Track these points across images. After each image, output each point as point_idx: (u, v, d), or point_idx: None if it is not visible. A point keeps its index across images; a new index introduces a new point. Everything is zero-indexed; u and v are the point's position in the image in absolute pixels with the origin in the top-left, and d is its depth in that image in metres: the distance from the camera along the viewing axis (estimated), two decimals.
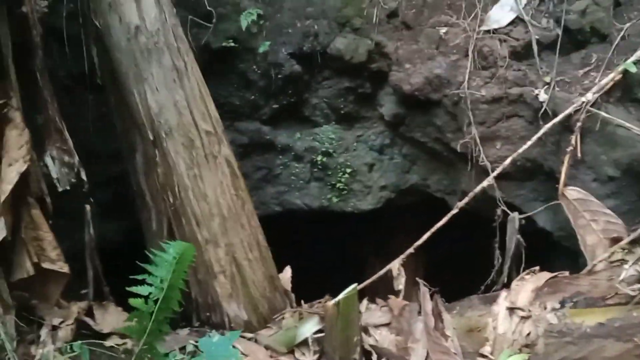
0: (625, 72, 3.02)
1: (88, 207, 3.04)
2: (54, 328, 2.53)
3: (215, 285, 3.01)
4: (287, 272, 3.31)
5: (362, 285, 3.01)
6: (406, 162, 4.06)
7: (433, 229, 3.19)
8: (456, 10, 3.59)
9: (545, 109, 3.22)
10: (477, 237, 3.56)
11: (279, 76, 3.77)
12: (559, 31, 3.31)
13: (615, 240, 2.82)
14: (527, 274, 2.79)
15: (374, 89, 3.87)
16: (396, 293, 3.20)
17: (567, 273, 2.75)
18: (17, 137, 2.48)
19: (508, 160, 3.21)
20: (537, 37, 3.34)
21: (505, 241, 3.27)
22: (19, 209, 2.56)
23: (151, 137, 2.93)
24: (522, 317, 2.55)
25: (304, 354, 2.87)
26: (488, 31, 3.45)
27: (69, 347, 2.25)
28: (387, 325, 3.06)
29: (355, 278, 2.95)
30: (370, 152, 4.04)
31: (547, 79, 3.29)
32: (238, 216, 3.05)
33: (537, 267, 2.87)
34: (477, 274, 3.35)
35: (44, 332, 2.47)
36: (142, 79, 2.86)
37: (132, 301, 2.05)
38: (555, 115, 3.16)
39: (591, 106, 3.05)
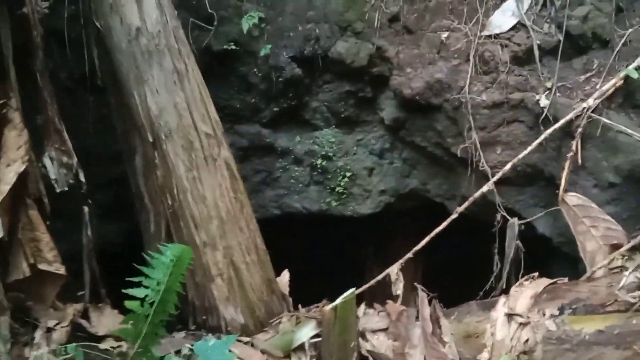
0: (627, 78, 3.02)
1: (86, 208, 3.03)
2: (49, 330, 2.52)
3: (213, 288, 2.99)
4: (285, 275, 3.29)
5: (360, 290, 2.99)
6: (406, 166, 4.05)
7: (432, 234, 3.18)
8: (458, 15, 3.58)
9: (546, 115, 3.21)
10: (476, 242, 3.54)
11: (280, 79, 3.77)
12: (561, 37, 3.30)
13: (615, 247, 2.80)
14: (526, 280, 2.77)
15: (375, 93, 3.86)
16: (394, 298, 3.19)
17: (566, 279, 2.73)
18: (16, 138, 2.48)
19: (508, 166, 3.20)
20: (538, 42, 3.33)
21: (504, 247, 3.26)
22: (17, 209, 2.55)
23: (151, 139, 2.92)
24: (521, 324, 2.53)
25: (300, 358, 2.85)
26: (489, 36, 3.44)
27: (63, 349, 2.23)
28: (384, 330, 3.03)
29: (353, 282, 2.94)
30: (370, 156, 4.03)
31: (549, 85, 3.28)
32: (236, 219, 3.03)
33: (536, 273, 2.85)
34: (476, 280, 3.33)
35: (38, 334, 2.46)
36: (143, 80, 2.86)
37: (128, 303, 2.04)
38: (556, 120, 3.15)
39: (592, 112, 3.04)
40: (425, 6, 3.64)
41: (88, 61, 3.25)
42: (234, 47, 3.72)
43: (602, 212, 2.94)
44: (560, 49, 3.29)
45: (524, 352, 2.45)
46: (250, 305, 3.04)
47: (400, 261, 3.17)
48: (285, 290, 3.24)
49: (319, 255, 4.87)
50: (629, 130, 2.93)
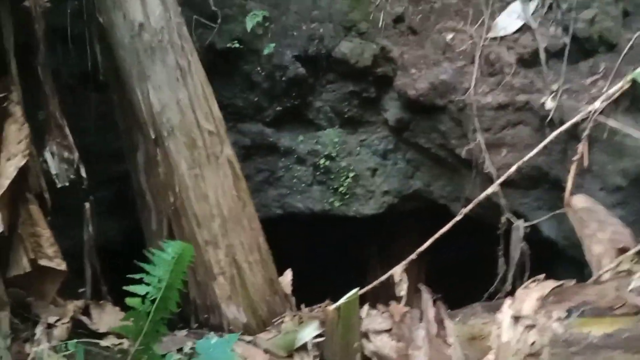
0: (634, 82, 2.99)
1: (88, 205, 3.00)
2: (50, 326, 2.48)
3: (215, 287, 2.97)
4: (288, 275, 3.27)
5: (363, 290, 2.96)
6: (410, 167, 4.03)
7: (437, 235, 3.15)
8: (463, 16, 3.57)
9: (552, 117, 3.19)
10: (480, 244, 3.52)
11: (283, 78, 3.75)
12: (567, 39, 3.28)
13: (622, 250, 2.77)
14: (532, 282, 2.74)
15: (379, 94, 3.84)
16: (398, 299, 3.16)
17: (573, 282, 2.70)
18: (17, 132, 2.45)
19: (514, 168, 3.17)
20: (544, 45, 3.31)
21: (509, 249, 3.23)
22: (17, 204, 2.52)
23: (153, 136, 2.90)
24: (527, 326, 2.50)
25: (303, 358, 2.82)
26: (495, 38, 3.43)
27: (63, 345, 2.19)
28: (388, 331, 3.00)
29: (356, 282, 2.91)
30: (373, 156, 4.01)
31: (554, 87, 3.25)
32: (239, 218, 3.01)
33: (542, 276, 2.82)
34: (480, 282, 3.31)
35: (39, 330, 2.43)
36: (145, 77, 2.84)
37: (129, 300, 2.01)
38: (561, 123, 3.12)
39: (599, 115, 3.01)
40: (430, 7, 3.63)
41: (90, 58, 3.24)
42: (237, 45, 3.70)
43: (609, 215, 2.91)
44: (567, 51, 3.27)
45: (530, 355, 2.41)
46: (252, 304, 3.02)
47: (404, 262, 3.14)
48: (288, 289, 3.22)
49: (322, 255, 4.84)
50: (637, 133, 2.91)
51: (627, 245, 2.79)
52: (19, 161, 2.43)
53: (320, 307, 3.06)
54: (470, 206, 3.19)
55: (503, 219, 3.27)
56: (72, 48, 3.37)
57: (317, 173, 4.06)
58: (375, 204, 4.05)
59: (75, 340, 2.19)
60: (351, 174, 4.01)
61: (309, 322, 2.93)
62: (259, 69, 3.77)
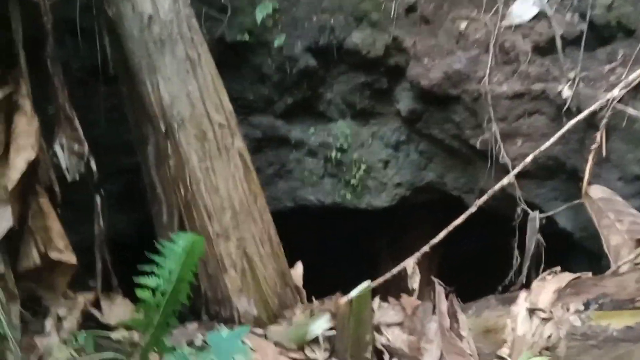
0: None
1: (98, 198, 2.99)
2: (60, 319, 2.48)
3: (226, 279, 2.95)
4: (299, 268, 3.24)
5: (375, 283, 2.93)
6: (422, 159, 3.98)
7: (450, 227, 3.10)
8: (477, 4, 3.49)
9: (569, 106, 3.11)
10: (494, 236, 3.47)
11: (294, 70, 3.72)
12: (584, 26, 3.19)
13: None
14: (549, 274, 2.68)
15: (391, 85, 3.79)
16: (410, 292, 3.12)
17: (590, 274, 2.64)
18: (26, 125, 2.44)
19: (530, 158, 3.11)
20: (561, 32, 3.22)
21: (524, 241, 3.17)
22: (27, 197, 2.52)
23: (163, 129, 2.88)
24: (543, 319, 2.45)
25: (314, 351, 2.80)
26: (510, 26, 3.34)
27: (74, 338, 2.19)
28: (399, 324, 2.98)
29: (367, 274, 2.88)
30: (385, 148, 3.96)
31: (571, 75, 3.18)
32: (250, 210, 2.99)
33: (558, 268, 2.77)
34: (494, 274, 3.26)
35: (49, 323, 2.43)
36: (155, 69, 2.81)
37: (139, 293, 1.99)
38: (579, 112, 3.05)
39: (617, 103, 2.94)
40: None
41: (100, 51, 3.22)
42: (247, 37, 3.66)
43: (628, 206, 2.84)
44: (584, 38, 3.18)
45: (547, 348, 2.36)
46: (263, 297, 2.99)
47: (417, 254, 3.10)
48: (299, 282, 3.20)
49: (333, 247, 4.81)
50: None
51: None
52: (29, 154, 2.42)
53: (331, 299, 3.04)
54: (484, 198, 3.13)
55: (518, 211, 3.20)
56: (82, 41, 3.35)
57: (329, 165, 4.02)
58: (387, 196, 4.01)
59: (85, 332, 2.17)
60: (363, 166, 3.97)
61: (320, 315, 2.90)
62: (269, 61, 3.73)
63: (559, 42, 3.23)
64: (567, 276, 2.61)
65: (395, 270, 3.11)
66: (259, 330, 2.89)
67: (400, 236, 4.55)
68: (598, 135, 2.97)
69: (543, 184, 3.43)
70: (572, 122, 3.04)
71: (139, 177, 3.27)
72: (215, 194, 2.91)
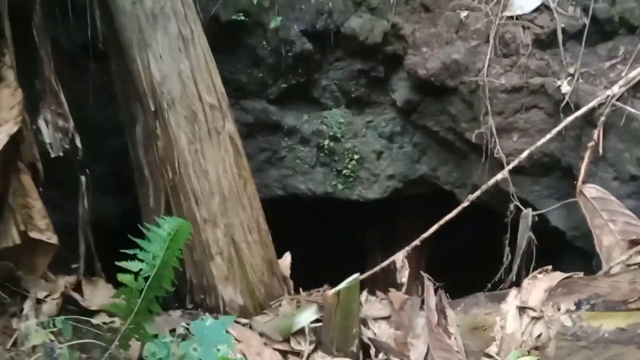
0: None
1: (83, 178, 2.90)
2: (39, 301, 2.41)
3: (212, 266, 2.89)
4: (287, 258, 3.19)
5: (364, 276, 2.88)
6: (416, 151, 3.93)
7: (441, 222, 3.05)
8: None
9: (568, 102, 3.07)
10: (485, 231, 3.43)
11: (289, 54, 3.63)
12: (586, 20, 3.15)
13: (634, 243, 2.68)
14: (540, 272, 2.64)
15: (388, 73, 3.72)
16: (398, 286, 3.08)
17: (582, 274, 2.61)
18: (9, 97, 2.33)
19: (525, 153, 3.07)
20: (562, 25, 3.18)
21: (515, 238, 3.13)
22: (8, 174, 2.42)
23: (152, 108, 2.80)
24: (533, 318, 2.41)
25: (299, 343, 2.76)
26: (511, 17, 3.29)
27: (52, 322, 2.12)
28: (386, 318, 2.95)
29: (357, 267, 2.84)
30: (379, 139, 3.90)
31: (571, 70, 3.14)
32: (239, 197, 2.92)
33: (550, 267, 2.73)
34: (483, 270, 3.22)
35: (27, 305, 2.35)
36: (146, 45, 2.73)
37: (121, 277, 1.92)
38: (577, 108, 3.01)
39: (617, 100, 2.89)
40: None
41: (90, 26, 3.11)
42: (242, 18, 3.56)
43: (622, 206, 2.80)
44: (585, 33, 3.14)
45: (536, 348, 2.33)
46: (250, 286, 2.94)
47: (407, 248, 3.05)
48: (287, 272, 3.15)
49: (325, 240, 4.77)
50: None
51: (639, 237, 2.69)
52: (11, 128, 2.32)
53: (318, 291, 2.99)
54: (477, 193, 3.09)
55: (511, 207, 3.16)
56: (72, 16, 3.24)
57: (321, 154, 3.96)
58: (380, 188, 3.96)
59: (63, 317, 2.10)
60: (356, 157, 3.91)
61: (307, 306, 2.87)
62: (264, 43, 3.64)
63: (560, 36, 3.18)
64: (559, 275, 2.58)
65: (384, 264, 3.07)
66: (244, 320, 2.84)
67: (392, 229, 4.51)
68: (595, 132, 2.93)
69: (538, 181, 3.39)
70: (570, 118, 2.99)
71: (128, 159, 3.19)
72: (204, 178, 2.84)
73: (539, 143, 3.04)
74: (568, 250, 3.49)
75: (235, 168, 2.91)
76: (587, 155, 2.93)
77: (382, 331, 2.89)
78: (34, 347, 2.03)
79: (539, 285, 2.55)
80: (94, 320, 2.39)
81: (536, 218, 3.10)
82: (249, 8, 3.54)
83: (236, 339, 2.60)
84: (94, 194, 3.05)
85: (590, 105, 2.94)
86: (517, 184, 3.23)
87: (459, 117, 3.48)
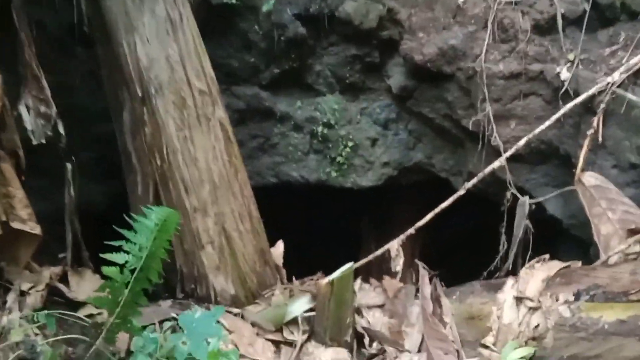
0: None
1: (69, 165, 2.82)
2: (23, 293, 2.33)
3: (202, 256, 2.82)
4: (280, 246, 3.14)
5: (358, 265, 2.84)
6: (411, 138, 3.87)
7: (436, 211, 3.00)
8: None
9: (567, 89, 3.01)
10: (481, 219, 3.39)
11: (282, 38, 3.54)
12: (587, 6, 3.08)
13: (633, 232, 2.63)
14: (537, 261, 2.60)
15: (383, 59, 3.64)
16: (392, 274, 3.04)
17: (580, 263, 2.57)
18: None
19: (523, 141, 3.01)
20: (562, 11, 3.11)
21: (512, 226, 3.09)
22: None
23: (139, 94, 2.71)
24: (531, 308, 2.37)
25: (292, 332, 2.72)
26: (510, 2, 3.22)
27: (36, 316, 2.04)
28: (381, 307, 2.92)
29: (350, 255, 2.79)
30: (374, 126, 3.83)
31: (571, 57, 3.07)
32: (230, 184, 2.85)
33: (547, 255, 2.69)
34: (479, 257, 3.19)
35: (10, 298, 2.27)
36: (133, 28, 2.63)
37: (106, 270, 1.85)
38: (577, 95, 2.95)
39: (617, 87, 2.83)
40: None
41: (76, 8, 3.00)
42: (234, 0, 3.46)
43: (621, 194, 2.76)
44: (586, 19, 3.07)
45: (533, 338, 2.29)
46: (241, 275, 2.88)
47: (402, 236, 3.00)
48: (279, 261, 3.09)
49: (318, 227, 4.72)
50: None
51: (638, 226, 2.65)
52: None
53: (311, 280, 2.95)
54: (474, 181, 3.04)
55: (508, 195, 3.11)
56: None
57: (315, 141, 3.89)
58: (374, 176, 3.90)
59: (46, 312, 2.02)
60: (350, 144, 3.85)
61: (300, 295, 2.83)
62: (256, 27, 3.55)
63: (560, 22, 3.12)
64: (557, 265, 2.53)
65: (379, 252, 3.02)
66: (236, 310, 2.79)
67: (385, 216, 4.46)
68: (595, 120, 2.87)
69: (535, 169, 3.35)
70: (569, 105, 2.93)
71: (116, 145, 3.10)
72: (193, 165, 2.76)
73: (537, 130, 2.99)
74: (564, 238, 3.46)
75: (225, 155, 2.84)
76: (586, 143, 2.88)
77: (376, 320, 2.86)
78: (18, 342, 1.95)
79: (536, 274, 2.51)
80: (80, 313, 2.32)
81: (533, 206, 3.06)
82: None
83: (227, 329, 2.55)
84: (81, 181, 2.97)
85: (590, 92, 2.88)
86: (514, 171, 3.19)
87: (456, 103, 3.42)
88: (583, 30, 3.07)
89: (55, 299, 2.46)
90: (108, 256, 1.85)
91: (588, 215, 2.84)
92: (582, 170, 2.88)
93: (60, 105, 2.77)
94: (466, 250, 4.07)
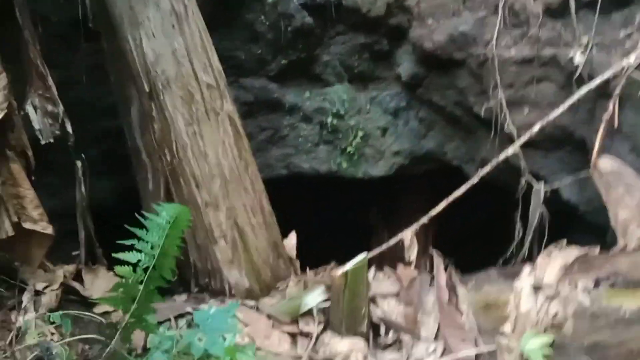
0: None
1: (79, 163, 2.81)
2: (38, 293, 2.34)
3: (216, 250, 2.82)
4: (292, 238, 3.12)
5: (371, 255, 2.81)
6: (422, 127, 3.84)
7: (449, 199, 2.97)
8: None
9: (580, 73, 2.95)
10: (494, 206, 3.35)
11: (289, 29, 3.51)
12: None
13: None
14: (554, 248, 2.55)
15: (392, 47, 3.61)
16: (407, 264, 3.02)
17: (597, 249, 2.52)
18: None
19: (536, 127, 2.95)
20: None
21: (526, 213, 3.05)
22: None
23: (147, 89, 2.69)
24: (549, 296, 2.33)
25: (308, 324, 2.71)
26: None
27: (51, 316, 2.04)
28: (396, 295, 2.89)
29: (360, 245, 2.77)
30: (384, 115, 3.81)
31: (584, 40, 3.00)
32: (241, 178, 2.84)
33: (564, 241, 2.64)
34: (493, 248, 3.16)
35: (26, 298, 2.28)
36: (138, 23, 2.60)
37: (119, 269, 1.83)
38: (591, 79, 2.88)
39: (632, 71, 2.76)
40: None
41: (81, 2, 2.98)
42: None
43: (638, 179, 2.70)
44: (599, 1, 2.99)
45: (552, 327, 2.25)
46: (255, 268, 2.87)
47: (415, 225, 2.98)
48: (293, 253, 3.09)
49: (329, 218, 4.70)
50: None
51: None
52: None
53: (325, 269, 2.93)
54: (487, 168, 2.99)
55: (522, 182, 3.07)
56: None
57: (324, 132, 3.88)
58: (385, 165, 3.88)
59: (61, 312, 2.02)
60: (360, 133, 3.83)
61: (314, 287, 2.81)
62: (262, 18, 3.52)
63: (572, 4, 3.04)
64: (575, 251, 2.48)
65: (392, 242, 3.00)
66: (251, 303, 2.78)
67: (397, 207, 4.44)
68: (610, 104, 2.80)
69: (549, 155, 3.30)
70: (584, 90, 2.87)
71: (123, 141, 3.09)
72: (203, 160, 2.75)
73: (551, 116, 2.93)
74: (580, 224, 3.42)
75: (235, 149, 2.82)
76: (601, 127, 2.81)
77: (391, 308, 2.84)
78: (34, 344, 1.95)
79: (553, 262, 2.46)
80: (96, 310, 2.32)
81: (548, 193, 3.02)
82: None
83: (243, 322, 2.54)
84: (90, 177, 2.96)
85: (605, 76, 2.81)
86: (527, 158, 3.15)
87: (467, 91, 3.38)
88: (597, 13, 2.99)
89: (70, 297, 2.46)
90: (120, 255, 1.84)
91: (605, 200, 2.79)
92: (598, 155, 2.82)
93: (65, 99, 2.76)
94: (478, 240, 4.03)
